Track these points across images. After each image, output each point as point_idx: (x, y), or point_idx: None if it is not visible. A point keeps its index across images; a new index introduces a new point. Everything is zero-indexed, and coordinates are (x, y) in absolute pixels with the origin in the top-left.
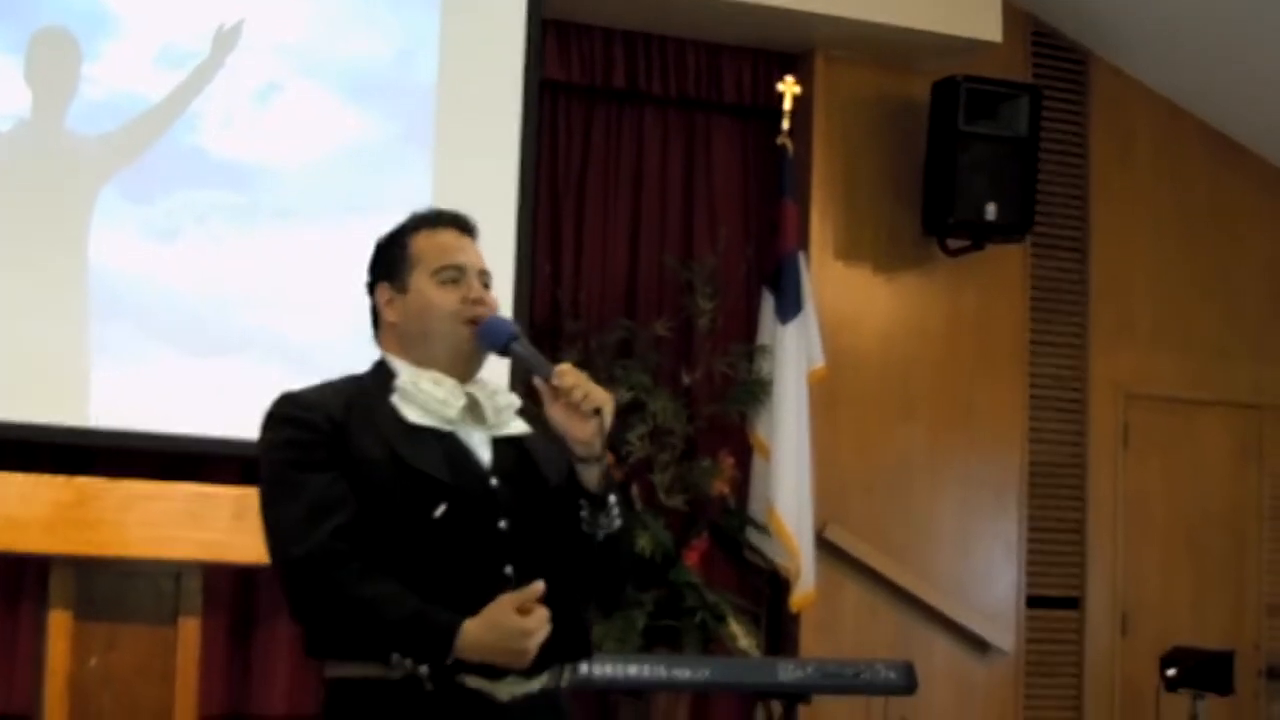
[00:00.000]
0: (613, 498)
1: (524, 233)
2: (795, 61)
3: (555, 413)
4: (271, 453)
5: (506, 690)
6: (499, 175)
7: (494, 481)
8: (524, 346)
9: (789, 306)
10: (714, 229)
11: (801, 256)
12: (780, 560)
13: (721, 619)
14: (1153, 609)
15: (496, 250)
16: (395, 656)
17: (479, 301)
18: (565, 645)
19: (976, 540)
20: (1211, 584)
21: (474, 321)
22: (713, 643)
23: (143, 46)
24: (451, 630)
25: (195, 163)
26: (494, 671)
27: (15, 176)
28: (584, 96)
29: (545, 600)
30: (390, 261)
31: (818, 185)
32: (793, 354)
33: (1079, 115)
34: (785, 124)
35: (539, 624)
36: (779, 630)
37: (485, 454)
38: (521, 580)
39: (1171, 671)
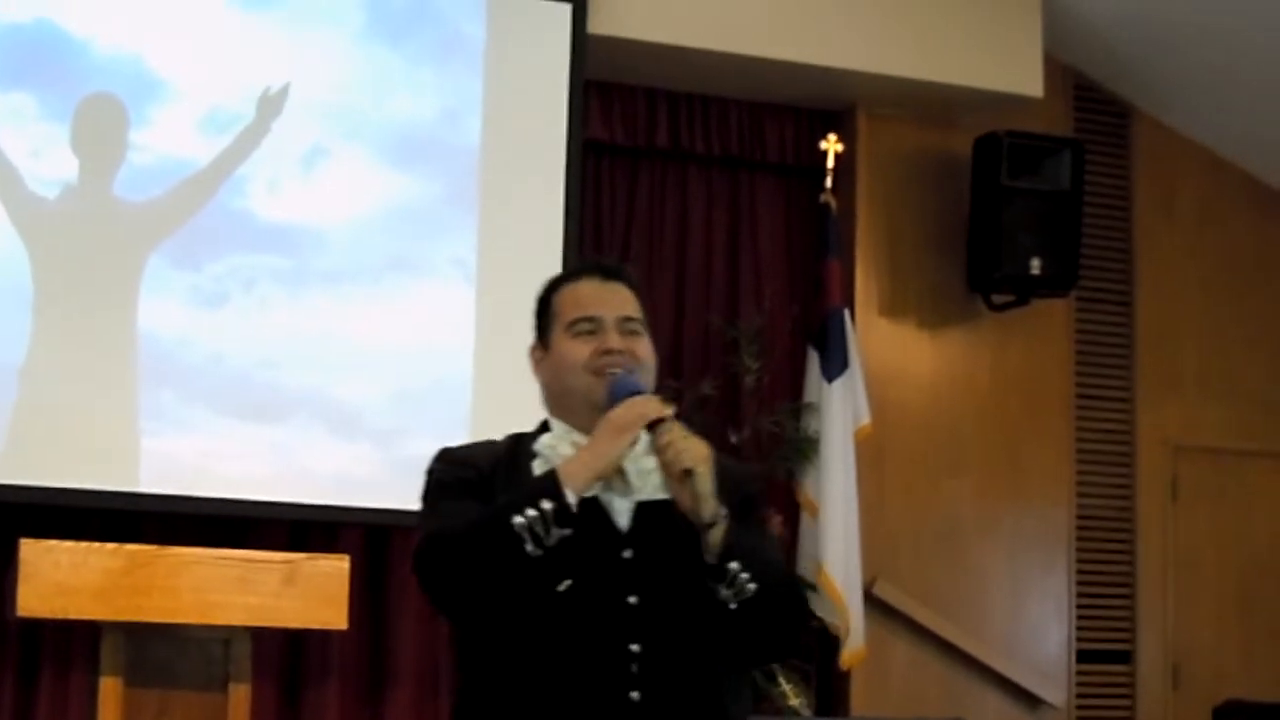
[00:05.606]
0: (734, 565)
1: None
2: (837, 119)
3: (663, 473)
4: (424, 499)
5: None
6: (544, 236)
7: (627, 553)
8: None
9: (835, 364)
10: (759, 288)
11: (846, 314)
12: (829, 618)
13: (772, 678)
14: (1204, 662)
15: None
16: (518, 520)
17: (610, 352)
18: None
19: (1026, 595)
20: (1263, 636)
21: (604, 373)
22: (763, 701)
23: (189, 112)
24: (551, 474)
25: (242, 227)
26: None
27: (64, 244)
28: (628, 157)
29: (677, 677)
30: (539, 320)
31: (861, 242)
32: (839, 411)
33: (1122, 169)
34: (828, 182)
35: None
36: (829, 688)
37: (624, 521)
38: (648, 657)
39: None
